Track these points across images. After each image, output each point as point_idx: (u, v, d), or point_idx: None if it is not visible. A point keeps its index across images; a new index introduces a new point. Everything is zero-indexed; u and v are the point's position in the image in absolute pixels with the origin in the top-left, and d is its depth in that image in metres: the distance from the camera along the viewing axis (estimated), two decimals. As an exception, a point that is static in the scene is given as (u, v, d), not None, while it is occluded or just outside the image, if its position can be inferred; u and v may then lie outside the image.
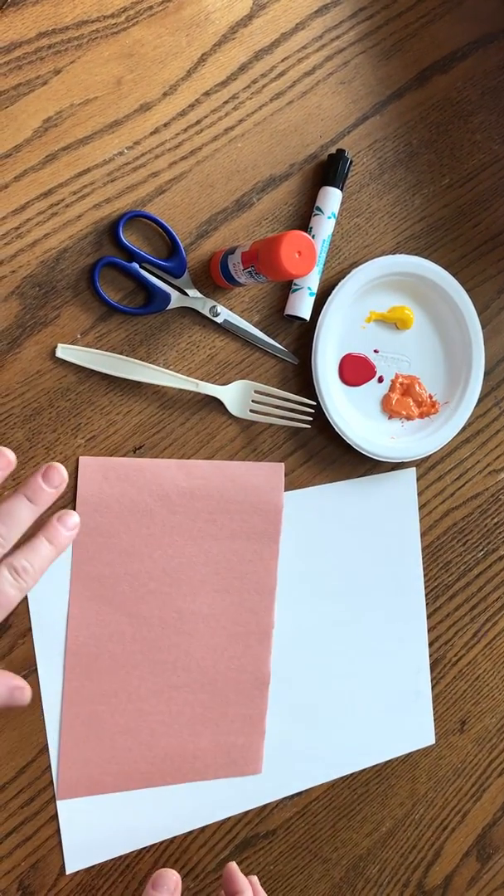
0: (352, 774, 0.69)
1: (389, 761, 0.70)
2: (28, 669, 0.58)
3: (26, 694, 0.46)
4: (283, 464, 0.63)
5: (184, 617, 0.61)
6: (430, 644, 0.71)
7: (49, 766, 0.59)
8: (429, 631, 0.71)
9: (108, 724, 0.60)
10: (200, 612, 0.62)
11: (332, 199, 0.63)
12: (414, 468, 0.69)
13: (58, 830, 0.59)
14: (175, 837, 0.63)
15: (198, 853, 0.64)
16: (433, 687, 0.71)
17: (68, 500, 0.58)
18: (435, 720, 0.72)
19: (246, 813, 0.65)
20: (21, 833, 0.59)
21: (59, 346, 0.57)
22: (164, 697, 0.61)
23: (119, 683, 0.60)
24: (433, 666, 0.71)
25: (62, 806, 0.59)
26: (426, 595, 0.70)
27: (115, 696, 0.60)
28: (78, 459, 0.58)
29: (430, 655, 0.71)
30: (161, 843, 0.63)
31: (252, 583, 0.63)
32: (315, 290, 0.63)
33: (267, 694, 0.64)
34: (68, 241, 0.57)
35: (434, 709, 0.71)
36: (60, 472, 0.48)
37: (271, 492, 0.63)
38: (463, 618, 0.72)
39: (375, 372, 0.66)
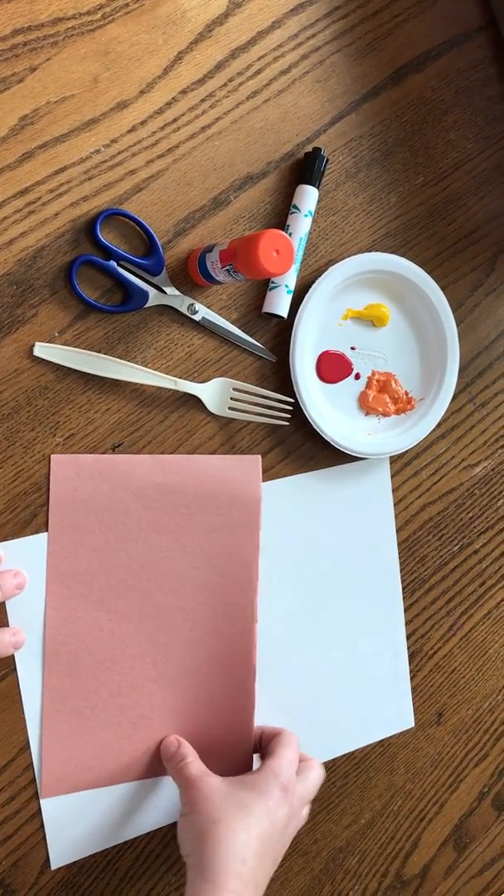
0: (331, 767, 0.69)
1: (368, 754, 0.71)
2: (6, 669, 0.58)
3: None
4: (259, 456, 0.63)
5: (164, 612, 0.61)
6: (408, 637, 0.72)
7: (30, 765, 0.59)
8: (406, 624, 0.72)
9: (90, 720, 0.60)
10: (180, 607, 0.61)
11: (308, 197, 0.63)
12: (387, 458, 0.70)
13: (40, 828, 0.59)
14: (156, 832, 0.63)
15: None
16: (410, 679, 0.72)
17: (42, 500, 0.58)
18: (412, 712, 0.73)
19: (226, 807, 0.66)
20: (2, 832, 0.59)
21: (37, 344, 0.57)
22: (146, 692, 0.61)
23: (99, 679, 0.60)
24: (410, 658, 0.72)
25: (45, 803, 0.59)
26: (403, 590, 0.71)
27: (96, 692, 0.60)
28: (50, 458, 0.58)
29: (408, 648, 0.72)
30: (142, 837, 0.63)
31: (232, 576, 0.62)
32: (292, 287, 0.64)
33: (254, 690, 0.64)
34: (45, 240, 0.57)
35: (411, 701, 0.72)
36: (25, 579, 0.58)
37: (249, 484, 0.63)
38: (439, 611, 0.73)
39: (352, 369, 0.67)
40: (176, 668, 0.62)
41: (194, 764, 0.58)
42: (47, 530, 0.58)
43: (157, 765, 0.62)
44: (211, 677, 0.63)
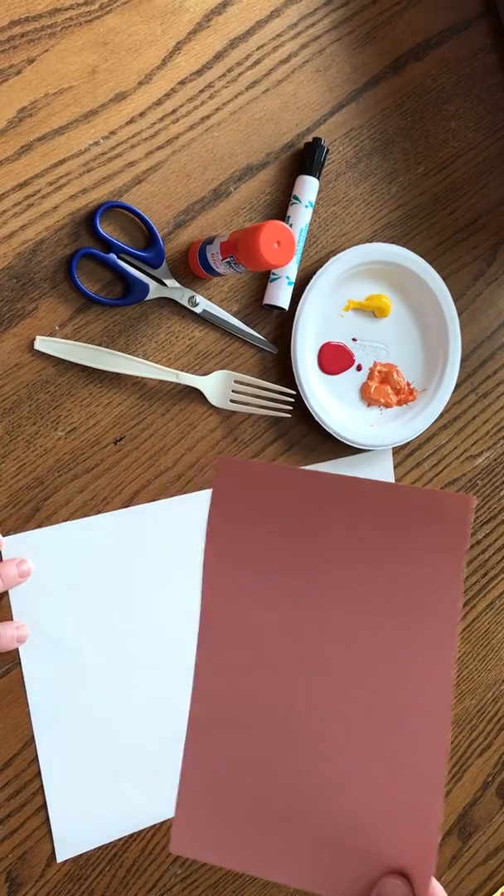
0: (335, 758, 0.69)
1: (372, 745, 0.71)
2: (11, 663, 0.58)
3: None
4: (474, 498, 0.44)
5: (327, 667, 0.47)
6: (411, 628, 0.72)
7: (35, 758, 0.59)
8: (409, 616, 0.71)
9: (236, 782, 0.47)
10: (346, 664, 0.47)
11: (309, 187, 0.63)
12: (390, 449, 0.70)
13: (45, 821, 0.59)
14: (161, 824, 0.64)
15: (184, 840, 0.64)
16: (414, 670, 0.72)
17: (44, 495, 0.58)
18: (416, 703, 0.73)
19: (231, 799, 0.66)
20: (8, 825, 0.59)
21: (38, 338, 0.57)
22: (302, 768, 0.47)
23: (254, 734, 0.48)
24: (414, 650, 0.72)
25: (51, 795, 0.59)
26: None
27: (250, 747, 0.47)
28: (218, 460, 0.50)
29: (411, 640, 0.72)
30: (148, 830, 0.63)
31: (422, 637, 0.46)
32: (293, 279, 0.63)
33: (440, 804, 0.45)
34: (45, 233, 0.57)
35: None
36: (31, 568, 0.58)
37: (453, 531, 0.45)
38: (442, 602, 0.73)
39: (354, 360, 0.67)
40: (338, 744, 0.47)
41: None
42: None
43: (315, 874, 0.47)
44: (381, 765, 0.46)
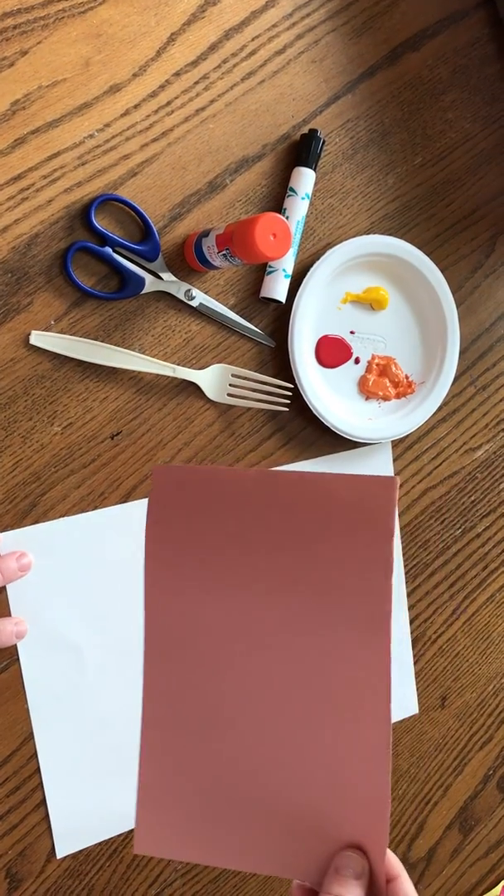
0: (335, 753, 0.69)
1: (372, 739, 0.71)
2: (9, 659, 0.58)
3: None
4: (397, 478, 0.47)
5: (272, 648, 0.49)
6: (411, 622, 0.71)
7: (34, 754, 0.59)
8: (409, 609, 0.71)
9: (193, 775, 0.49)
10: (292, 645, 0.48)
11: (305, 179, 0.62)
12: (389, 442, 0.70)
13: (45, 817, 0.59)
14: (161, 820, 0.63)
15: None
16: (413, 664, 0.72)
17: (41, 490, 0.58)
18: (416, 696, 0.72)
19: (231, 794, 0.66)
20: (7, 821, 0.59)
21: (33, 333, 0.57)
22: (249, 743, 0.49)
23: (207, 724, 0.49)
24: (413, 643, 0.72)
25: (50, 791, 0.59)
26: (405, 574, 0.71)
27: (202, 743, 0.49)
28: (151, 469, 0.52)
29: (411, 633, 0.72)
30: (148, 826, 0.63)
31: (357, 617, 0.47)
32: (290, 272, 0.63)
33: (388, 771, 0.47)
34: (39, 227, 0.56)
35: (415, 688, 0.72)
36: (31, 562, 0.58)
37: (380, 512, 0.47)
38: (442, 595, 0.73)
39: (352, 353, 0.67)
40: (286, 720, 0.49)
41: None
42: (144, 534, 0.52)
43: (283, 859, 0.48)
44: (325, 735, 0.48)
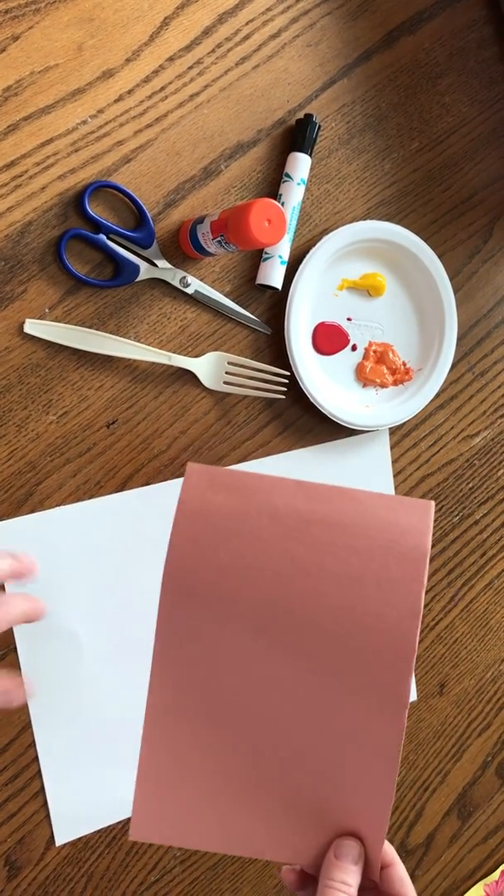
0: (334, 740, 0.69)
1: (370, 726, 0.71)
2: (6, 648, 0.58)
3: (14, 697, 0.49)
4: (432, 502, 0.49)
5: (293, 659, 0.48)
6: (409, 609, 0.71)
7: (32, 742, 0.59)
8: (407, 596, 0.71)
9: (198, 764, 0.49)
10: (313, 658, 0.48)
11: (301, 165, 0.62)
12: (386, 429, 0.69)
13: (43, 805, 0.59)
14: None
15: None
16: (412, 651, 0.72)
17: (37, 479, 0.58)
18: (415, 683, 0.72)
19: (230, 781, 0.66)
20: (6, 810, 0.59)
21: (27, 321, 0.56)
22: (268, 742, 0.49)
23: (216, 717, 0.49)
24: (412, 631, 0.72)
25: (48, 779, 0.59)
26: (403, 561, 0.71)
27: (208, 732, 0.49)
28: (186, 465, 0.51)
29: (409, 621, 0.71)
30: (146, 814, 0.63)
31: (382, 638, 0.47)
32: (286, 258, 0.62)
33: (393, 788, 0.48)
34: (33, 214, 0.56)
35: (414, 674, 0.72)
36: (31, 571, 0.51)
37: (416, 533, 0.48)
38: (440, 582, 0.73)
39: (349, 340, 0.66)
40: (302, 722, 0.49)
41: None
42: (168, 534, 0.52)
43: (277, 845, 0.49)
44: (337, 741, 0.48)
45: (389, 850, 0.48)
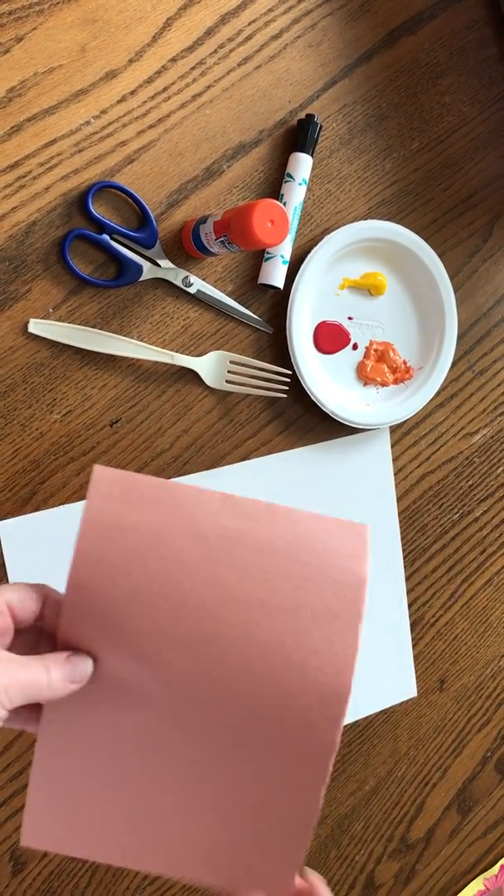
0: (335, 736, 0.70)
1: (371, 721, 0.72)
2: (12, 645, 0.58)
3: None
4: (368, 526, 0.45)
5: (211, 689, 0.43)
6: (409, 605, 0.72)
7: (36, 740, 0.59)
8: (407, 593, 0.72)
9: (94, 777, 0.45)
10: (235, 695, 0.43)
11: (302, 165, 0.62)
12: (387, 427, 0.70)
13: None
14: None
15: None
16: (412, 647, 0.73)
17: (41, 478, 0.58)
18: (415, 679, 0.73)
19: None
20: (11, 805, 0.59)
21: (31, 321, 0.57)
22: (173, 772, 0.45)
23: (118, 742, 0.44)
24: (412, 627, 0.72)
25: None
26: (404, 558, 0.71)
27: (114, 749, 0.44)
28: (92, 467, 0.46)
29: (409, 616, 0.72)
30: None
31: (315, 677, 0.43)
32: (288, 258, 0.63)
33: (311, 828, 0.44)
34: (37, 214, 0.56)
35: (414, 671, 0.73)
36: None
37: (351, 559, 0.44)
38: (440, 579, 0.73)
39: (350, 339, 0.67)
40: (218, 765, 0.44)
41: None
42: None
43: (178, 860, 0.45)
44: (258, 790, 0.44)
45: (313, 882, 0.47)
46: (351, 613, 0.43)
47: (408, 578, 0.72)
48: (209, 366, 0.62)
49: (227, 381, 0.63)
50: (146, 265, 0.59)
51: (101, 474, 0.43)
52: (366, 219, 0.66)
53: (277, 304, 0.64)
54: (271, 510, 0.44)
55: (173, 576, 0.42)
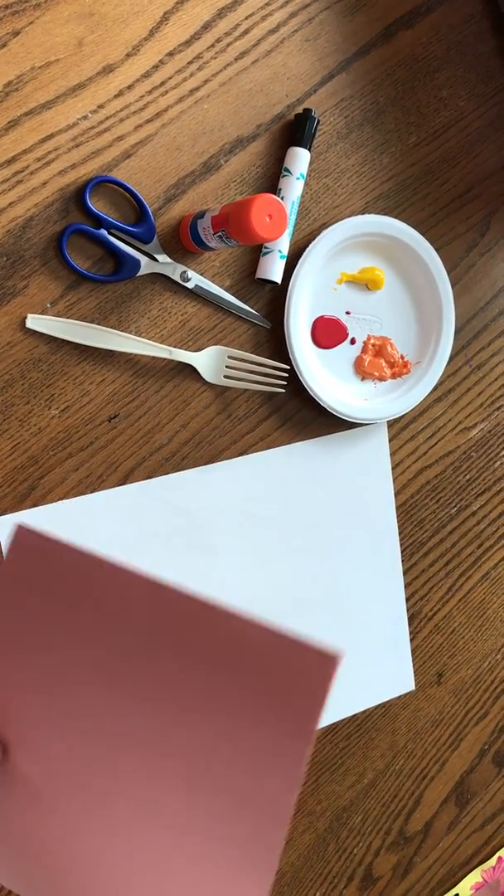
0: (333, 729, 0.70)
1: (370, 715, 0.72)
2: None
3: None
4: (338, 656, 0.36)
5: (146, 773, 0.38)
6: (407, 599, 0.72)
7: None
8: (405, 587, 0.72)
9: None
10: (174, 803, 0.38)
11: (300, 159, 0.62)
12: (385, 422, 0.70)
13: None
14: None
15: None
16: (410, 641, 0.73)
17: (40, 473, 0.58)
18: (413, 673, 0.73)
19: (231, 771, 0.67)
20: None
21: (29, 316, 0.57)
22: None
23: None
24: (409, 620, 0.72)
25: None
26: (401, 552, 0.71)
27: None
28: (16, 526, 0.40)
29: (407, 610, 0.72)
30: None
31: (256, 805, 0.36)
32: (286, 252, 0.63)
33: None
34: (34, 210, 0.56)
35: (411, 664, 0.73)
36: None
37: (311, 684, 0.35)
38: (438, 573, 0.74)
39: (347, 334, 0.67)
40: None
41: None
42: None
43: None
44: None
45: None
46: (300, 742, 0.35)
47: (405, 572, 0.72)
48: (207, 361, 0.62)
49: (226, 376, 0.63)
50: (144, 260, 0.59)
51: (24, 533, 0.37)
52: (363, 213, 0.66)
53: (275, 298, 0.64)
54: (209, 612, 0.34)
55: (78, 698, 0.35)
